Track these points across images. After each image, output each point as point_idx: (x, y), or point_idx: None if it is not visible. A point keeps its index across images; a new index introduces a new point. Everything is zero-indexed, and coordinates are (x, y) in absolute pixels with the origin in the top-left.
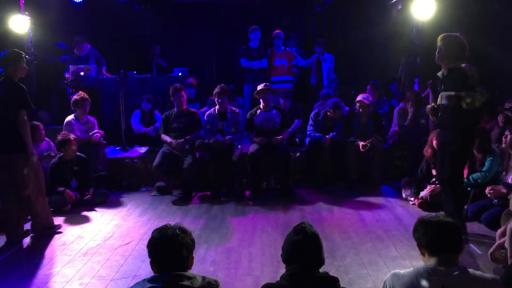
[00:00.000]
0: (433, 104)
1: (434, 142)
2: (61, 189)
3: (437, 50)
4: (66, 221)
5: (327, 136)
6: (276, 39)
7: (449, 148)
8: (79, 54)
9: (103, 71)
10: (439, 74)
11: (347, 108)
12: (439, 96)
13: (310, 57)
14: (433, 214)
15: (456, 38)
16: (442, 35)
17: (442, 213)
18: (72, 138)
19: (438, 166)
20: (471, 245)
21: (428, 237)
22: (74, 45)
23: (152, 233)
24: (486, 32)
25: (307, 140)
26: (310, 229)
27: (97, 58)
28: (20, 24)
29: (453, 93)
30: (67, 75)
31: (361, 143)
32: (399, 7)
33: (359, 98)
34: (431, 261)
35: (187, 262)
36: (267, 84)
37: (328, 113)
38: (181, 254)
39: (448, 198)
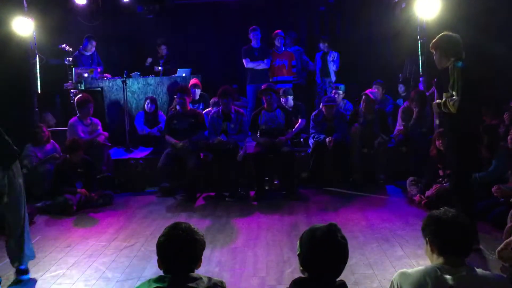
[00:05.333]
0: (438, 100)
1: (438, 142)
2: (71, 188)
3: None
4: (71, 223)
5: (331, 138)
6: (277, 39)
7: (451, 152)
8: (86, 53)
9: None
10: None
11: (350, 105)
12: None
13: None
14: (442, 210)
15: (445, 39)
16: (433, 41)
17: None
18: (80, 147)
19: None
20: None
21: (441, 238)
22: (85, 41)
23: (164, 230)
24: (491, 30)
25: (311, 141)
26: (338, 237)
27: (98, 62)
28: (23, 26)
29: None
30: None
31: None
32: (403, 5)
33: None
34: (439, 260)
35: (196, 263)
36: (270, 84)
37: (324, 111)
38: (191, 256)
39: (457, 200)
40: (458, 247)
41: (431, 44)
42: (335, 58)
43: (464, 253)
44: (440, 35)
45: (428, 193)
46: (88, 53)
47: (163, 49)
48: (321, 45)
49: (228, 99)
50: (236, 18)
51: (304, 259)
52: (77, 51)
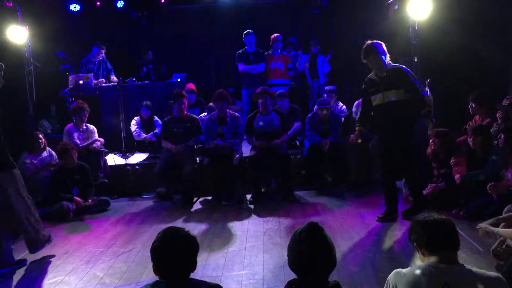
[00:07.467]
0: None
1: (432, 142)
2: (68, 195)
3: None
4: (68, 229)
5: (327, 140)
6: (275, 42)
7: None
8: (95, 60)
9: (111, 78)
10: (374, 77)
11: (344, 107)
12: (381, 95)
13: (303, 61)
14: (424, 214)
15: (373, 49)
16: (362, 53)
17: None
18: (71, 148)
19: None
20: (473, 242)
21: (428, 236)
22: (94, 48)
23: (157, 236)
24: (482, 31)
25: (307, 143)
26: (317, 235)
27: (108, 68)
28: (18, 34)
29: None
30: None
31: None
32: (396, 7)
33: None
34: (432, 260)
35: (190, 267)
36: (265, 87)
37: (319, 113)
38: (186, 260)
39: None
40: (444, 241)
41: (363, 56)
42: (325, 60)
43: (452, 246)
44: (371, 48)
45: (423, 192)
46: (97, 60)
47: (149, 55)
48: (313, 48)
49: (223, 103)
50: (230, 22)
51: (289, 260)
52: (85, 58)
